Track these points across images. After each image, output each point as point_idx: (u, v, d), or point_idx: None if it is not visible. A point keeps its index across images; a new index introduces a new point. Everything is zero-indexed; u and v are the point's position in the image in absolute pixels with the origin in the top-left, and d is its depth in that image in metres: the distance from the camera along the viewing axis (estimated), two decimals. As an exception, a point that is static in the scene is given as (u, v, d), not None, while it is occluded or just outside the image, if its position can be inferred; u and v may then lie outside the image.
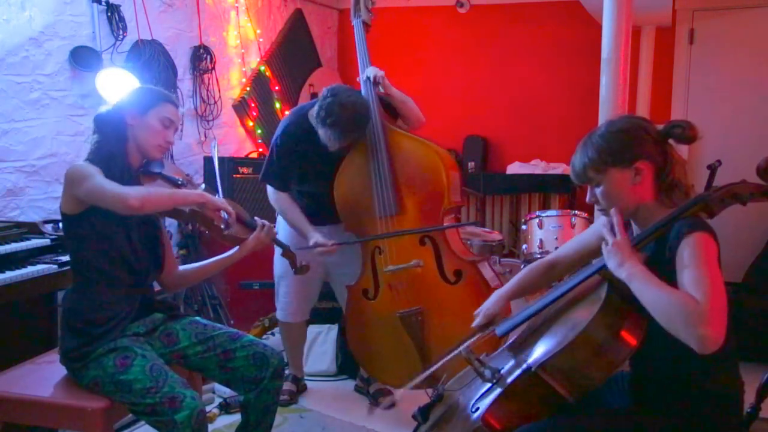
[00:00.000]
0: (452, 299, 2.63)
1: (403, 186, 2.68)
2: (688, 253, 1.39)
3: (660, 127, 1.58)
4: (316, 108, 2.58)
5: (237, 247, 2.17)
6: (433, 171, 2.66)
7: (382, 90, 2.72)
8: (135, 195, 1.81)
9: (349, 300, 2.82)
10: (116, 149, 1.97)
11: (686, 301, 1.31)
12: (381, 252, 2.70)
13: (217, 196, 2.09)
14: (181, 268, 2.25)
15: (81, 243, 1.94)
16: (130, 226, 1.98)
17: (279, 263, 2.98)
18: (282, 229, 2.92)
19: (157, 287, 2.24)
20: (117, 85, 3.21)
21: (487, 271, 2.70)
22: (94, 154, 1.97)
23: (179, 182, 2.09)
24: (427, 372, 1.88)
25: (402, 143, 2.70)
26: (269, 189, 2.83)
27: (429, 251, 2.66)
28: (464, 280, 2.62)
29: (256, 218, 2.21)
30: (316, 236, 2.68)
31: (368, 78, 2.74)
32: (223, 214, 2.07)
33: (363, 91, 2.73)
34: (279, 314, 3.05)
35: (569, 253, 1.85)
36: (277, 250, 2.97)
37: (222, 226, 2.06)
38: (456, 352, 1.73)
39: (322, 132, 2.57)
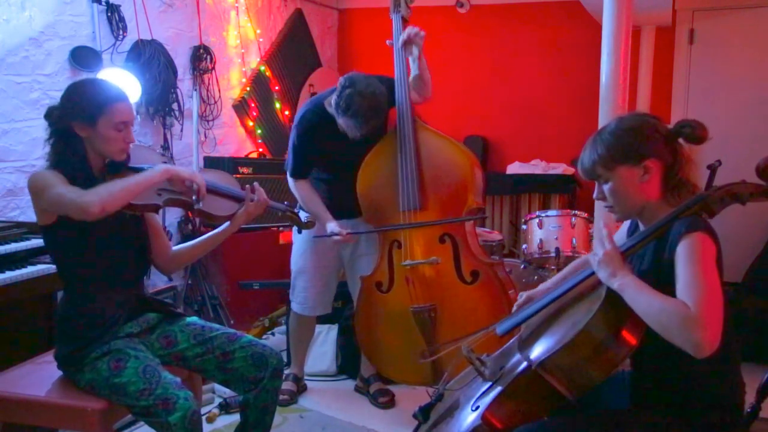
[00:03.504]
0: (466, 299, 2.64)
1: (429, 183, 2.68)
2: (684, 254, 1.39)
3: (670, 125, 1.58)
4: (334, 98, 2.60)
5: (229, 222, 2.12)
6: (459, 170, 2.67)
7: (416, 51, 2.69)
8: (94, 200, 1.71)
9: (362, 290, 2.82)
10: (75, 161, 1.87)
11: (678, 308, 1.31)
12: (400, 246, 2.71)
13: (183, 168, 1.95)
14: (175, 248, 2.21)
15: (61, 252, 1.92)
16: (110, 226, 1.90)
17: (297, 258, 3.00)
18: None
19: (153, 287, 2.23)
20: (117, 85, 3.20)
21: (504, 276, 2.71)
22: (54, 162, 1.88)
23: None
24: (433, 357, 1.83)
25: (430, 140, 2.71)
26: (290, 180, 2.85)
27: (448, 249, 2.67)
28: (480, 281, 2.63)
29: (248, 187, 2.14)
30: (332, 225, 2.70)
31: (404, 41, 2.68)
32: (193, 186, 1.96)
33: (397, 66, 2.72)
34: (296, 308, 3.04)
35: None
36: (296, 246, 2.98)
37: (193, 198, 1.95)
38: (459, 343, 1.73)
39: (342, 121, 2.60)
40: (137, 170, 1.97)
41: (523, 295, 1.87)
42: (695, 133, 1.52)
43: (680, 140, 1.56)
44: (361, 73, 2.65)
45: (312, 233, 2.79)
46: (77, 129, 1.86)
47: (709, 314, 1.29)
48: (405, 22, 2.91)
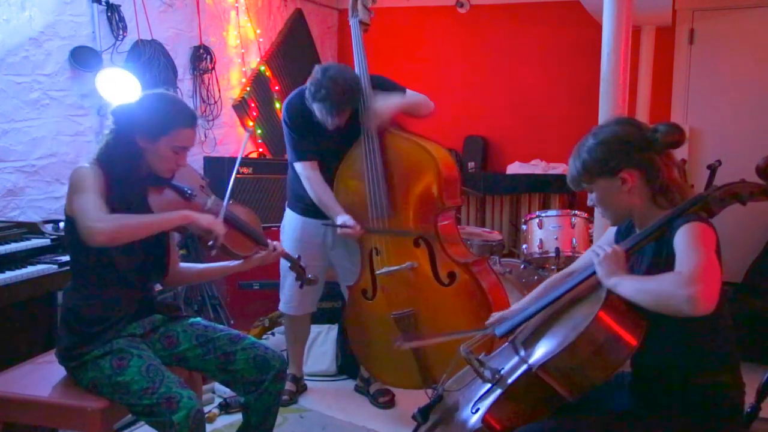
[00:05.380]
0: (445, 301, 2.62)
1: (397, 188, 2.67)
2: (681, 238, 1.41)
3: (647, 131, 1.58)
4: (308, 85, 2.61)
5: (242, 260, 2.12)
6: (424, 173, 2.63)
7: None
8: (105, 230, 1.72)
9: (349, 300, 2.84)
10: (124, 166, 1.89)
11: (671, 276, 1.34)
12: (378, 253, 2.71)
13: (210, 215, 1.96)
14: (183, 265, 2.22)
15: (80, 245, 1.90)
16: None
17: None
18: (289, 225, 2.93)
19: (157, 287, 2.23)
20: (117, 85, 3.21)
21: (485, 274, 2.69)
22: (103, 156, 1.89)
23: (187, 193, 2.01)
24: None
25: (395, 145, 2.68)
26: (300, 169, 2.77)
27: (424, 253, 2.66)
28: (457, 283, 2.61)
29: (269, 241, 2.16)
30: (345, 218, 2.67)
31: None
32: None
33: (357, 71, 2.74)
34: (283, 307, 3.04)
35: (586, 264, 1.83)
36: (284, 245, 2.97)
37: (209, 243, 1.93)
38: (451, 337, 1.73)
39: (315, 108, 2.61)
40: (177, 189, 2.00)
41: (495, 315, 1.88)
42: (665, 139, 1.54)
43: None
44: (336, 63, 2.65)
45: (300, 219, 2.84)
46: (139, 139, 1.89)
47: (702, 271, 1.29)
48: (365, 25, 2.86)
